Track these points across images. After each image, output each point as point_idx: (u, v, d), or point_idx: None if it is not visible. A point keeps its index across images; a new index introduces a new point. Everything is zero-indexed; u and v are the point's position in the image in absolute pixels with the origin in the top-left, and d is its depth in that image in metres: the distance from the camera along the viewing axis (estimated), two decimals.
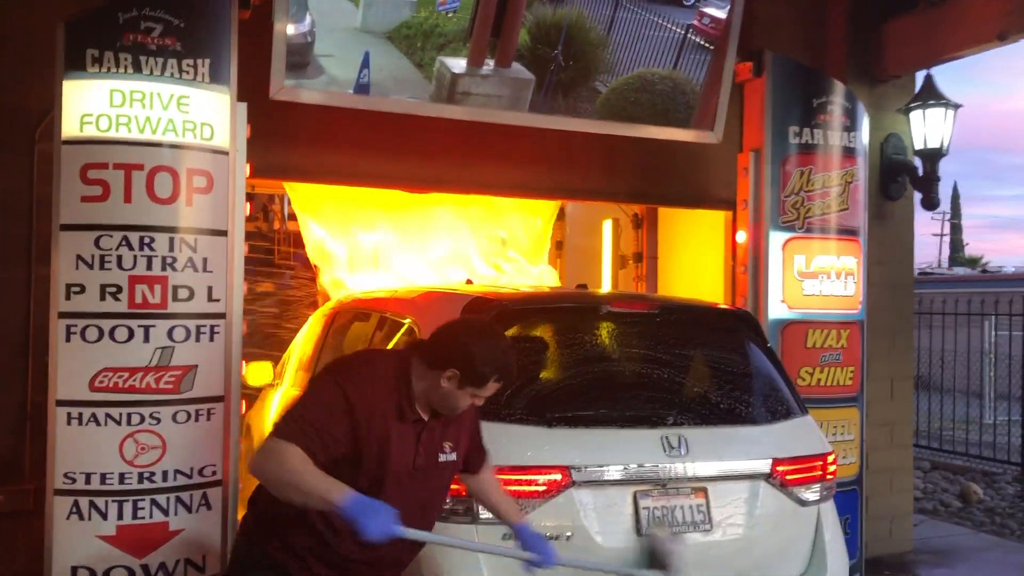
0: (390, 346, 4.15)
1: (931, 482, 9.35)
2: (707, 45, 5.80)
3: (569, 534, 3.36)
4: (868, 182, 5.91)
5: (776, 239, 5.57)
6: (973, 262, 38.24)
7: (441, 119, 5.58)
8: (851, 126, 5.71)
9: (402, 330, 4.12)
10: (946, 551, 7.04)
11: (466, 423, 3.05)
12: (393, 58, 5.14)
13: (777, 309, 5.55)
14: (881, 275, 6.67)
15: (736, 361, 4.05)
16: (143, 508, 3.94)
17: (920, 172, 6.63)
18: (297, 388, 5.58)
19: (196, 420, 4.08)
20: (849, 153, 5.70)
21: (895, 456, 6.88)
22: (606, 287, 7.54)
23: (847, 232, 5.69)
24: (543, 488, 3.35)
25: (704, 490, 3.60)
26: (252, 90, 4.46)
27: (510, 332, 3.59)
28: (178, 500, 4.02)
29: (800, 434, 3.97)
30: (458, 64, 5.30)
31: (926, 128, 6.51)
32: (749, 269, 5.65)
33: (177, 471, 4.01)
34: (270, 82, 4.61)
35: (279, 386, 5.92)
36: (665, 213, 7.35)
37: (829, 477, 3.93)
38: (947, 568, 6.61)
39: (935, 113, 6.48)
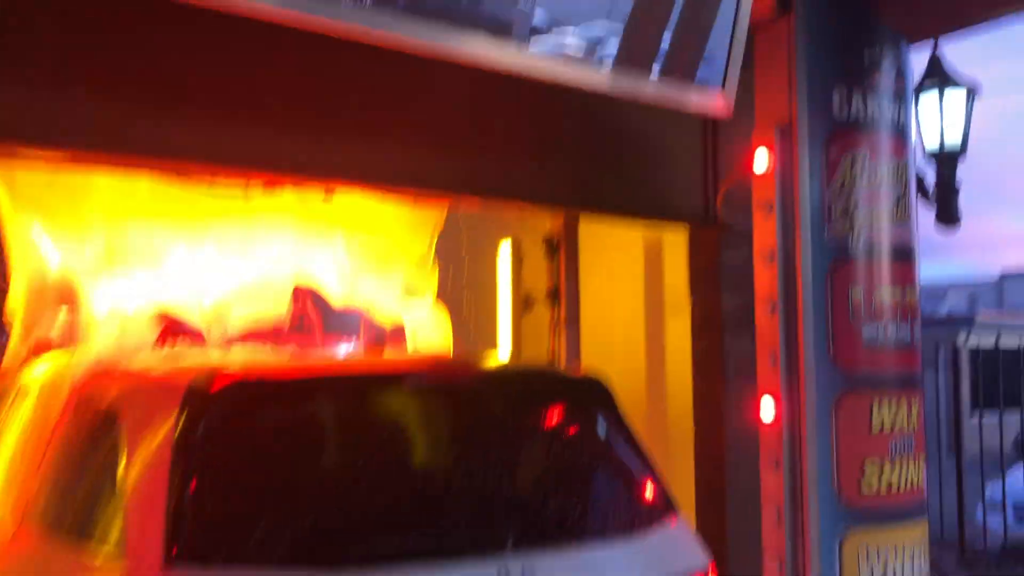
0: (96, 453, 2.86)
1: None
2: None
3: None
4: None
5: (821, 261, 3.59)
6: None
7: (283, 53, 3.25)
8: (904, 95, 3.88)
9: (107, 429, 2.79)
10: None
11: None
12: None
13: (828, 370, 3.55)
14: None
15: (589, 448, 3.22)
16: None
17: (932, 178, 4.94)
18: None
19: None
20: (902, 135, 3.86)
21: None
22: (504, 341, 5.29)
23: (905, 253, 3.81)
24: None
25: None
26: None
27: (264, 424, 2.66)
28: None
29: (673, 544, 3.08)
30: None
31: (943, 119, 4.84)
32: (779, 309, 3.61)
33: None
34: None
35: None
36: (588, 233, 5.24)
37: None
38: None
39: (954, 98, 4.82)
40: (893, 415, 3.60)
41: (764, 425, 3.63)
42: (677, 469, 4.65)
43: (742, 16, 3.51)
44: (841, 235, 3.61)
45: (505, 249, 5.33)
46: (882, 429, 3.57)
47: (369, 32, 2.91)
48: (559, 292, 5.12)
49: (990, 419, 8.89)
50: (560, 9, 3.27)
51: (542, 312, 5.24)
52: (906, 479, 3.62)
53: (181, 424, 2.55)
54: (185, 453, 2.52)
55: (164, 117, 3.26)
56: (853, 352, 3.57)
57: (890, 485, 3.56)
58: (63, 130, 3.11)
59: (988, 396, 8.76)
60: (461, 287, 5.19)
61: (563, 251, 5.12)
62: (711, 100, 3.59)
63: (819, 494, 3.49)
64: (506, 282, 5.28)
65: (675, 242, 5.25)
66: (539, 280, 5.27)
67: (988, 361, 9.33)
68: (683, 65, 3.59)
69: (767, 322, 3.65)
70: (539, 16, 3.23)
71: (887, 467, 3.56)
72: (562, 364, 5.01)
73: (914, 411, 3.69)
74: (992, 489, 8.65)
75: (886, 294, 3.65)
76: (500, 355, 5.20)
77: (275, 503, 2.58)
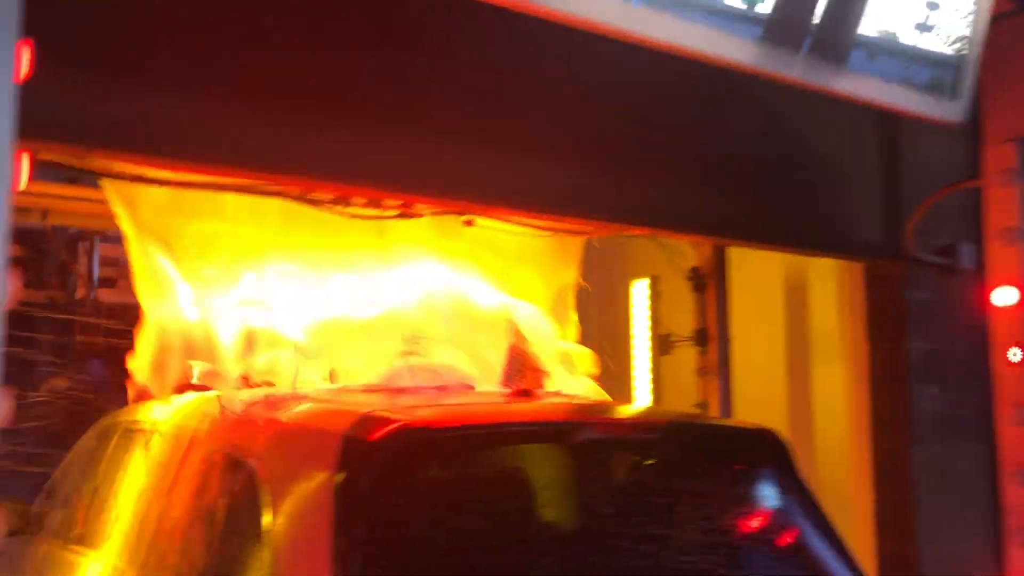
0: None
1: None
2: None
3: None
4: None
5: None
6: None
7: (434, 66, 2.83)
8: None
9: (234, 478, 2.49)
10: None
11: None
12: None
13: None
14: None
15: (772, 515, 2.72)
16: None
17: None
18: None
19: None
20: None
21: None
22: (641, 387, 4.72)
23: None
24: None
25: None
26: None
27: (421, 480, 2.37)
28: None
29: None
30: None
31: None
32: None
33: None
34: None
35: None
36: (737, 266, 4.66)
37: None
38: None
39: None
40: None
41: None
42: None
43: (982, 9, 2.96)
44: None
45: (642, 285, 4.77)
46: None
47: None
48: (706, 333, 4.53)
49: None
50: None
51: (683, 355, 4.66)
52: None
53: (342, 476, 2.30)
54: (350, 509, 2.24)
55: (301, 131, 2.82)
56: None
57: None
58: (193, 142, 2.68)
59: None
60: (595, 326, 4.64)
61: (711, 286, 4.54)
62: (941, 108, 3.03)
63: None
64: (643, 322, 4.71)
65: (823, 276, 4.71)
66: (681, 319, 4.70)
67: None
68: (833, 49, 3.03)
69: (1010, 373, 3.06)
70: None
71: None
72: (715, 413, 4.44)
73: None
74: None
75: None
76: (646, 402, 4.65)
77: (447, 564, 2.30)
